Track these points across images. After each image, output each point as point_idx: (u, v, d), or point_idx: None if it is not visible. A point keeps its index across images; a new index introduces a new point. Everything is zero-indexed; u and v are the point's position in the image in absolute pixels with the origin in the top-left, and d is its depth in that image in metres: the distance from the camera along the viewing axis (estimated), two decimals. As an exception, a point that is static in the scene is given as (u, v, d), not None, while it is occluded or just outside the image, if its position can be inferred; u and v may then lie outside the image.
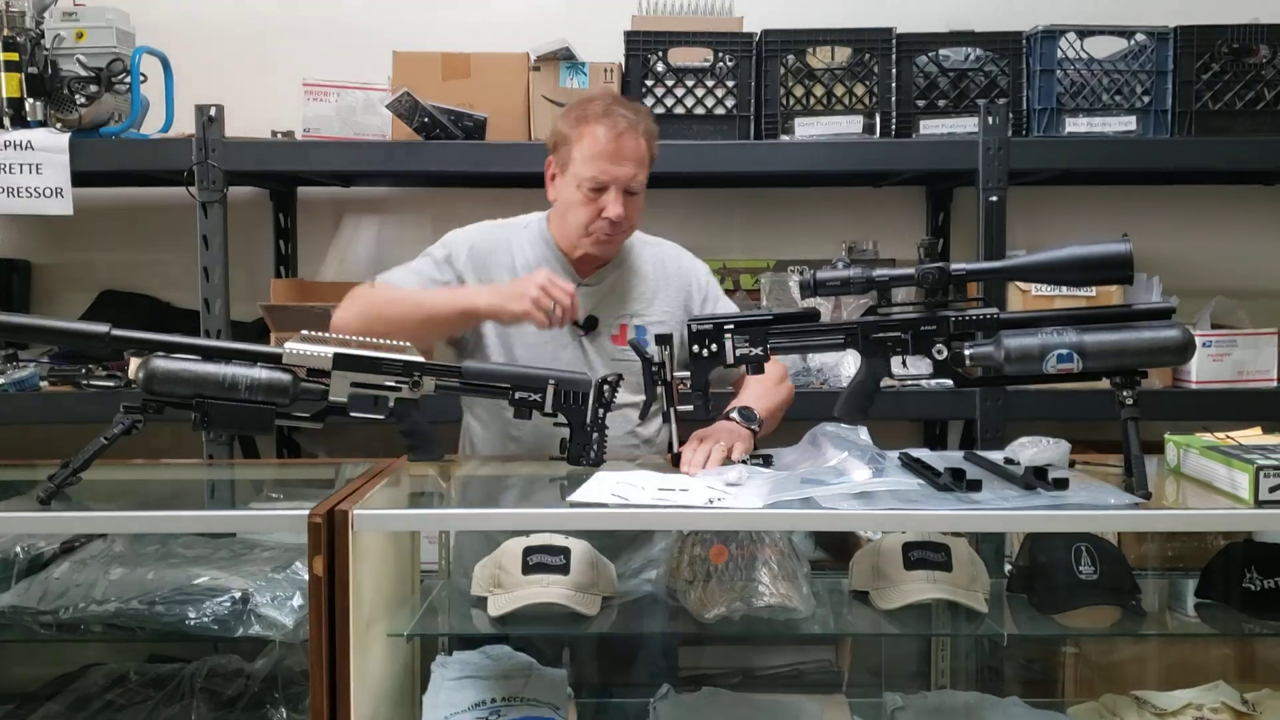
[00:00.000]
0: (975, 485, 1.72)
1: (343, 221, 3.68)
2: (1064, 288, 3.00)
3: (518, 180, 3.38)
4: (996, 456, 2.03)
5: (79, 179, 3.06)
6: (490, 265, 2.31)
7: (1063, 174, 3.25)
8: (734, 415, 2.11)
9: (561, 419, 1.94)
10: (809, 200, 3.55)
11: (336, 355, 1.88)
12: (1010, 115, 3.02)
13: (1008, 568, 2.09)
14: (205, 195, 3.04)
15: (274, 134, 3.17)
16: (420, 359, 1.91)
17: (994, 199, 2.98)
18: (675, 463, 1.96)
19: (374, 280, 2.31)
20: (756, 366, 1.94)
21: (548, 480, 2.04)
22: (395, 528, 1.79)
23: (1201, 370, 2.99)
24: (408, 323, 2.09)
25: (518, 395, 1.94)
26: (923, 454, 2.08)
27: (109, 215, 3.62)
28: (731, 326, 1.92)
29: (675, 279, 2.41)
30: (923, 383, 3.07)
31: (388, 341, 1.93)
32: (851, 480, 1.75)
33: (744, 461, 1.92)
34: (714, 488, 1.74)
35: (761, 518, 1.68)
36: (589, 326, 2.31)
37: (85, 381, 3.08)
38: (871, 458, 1.82)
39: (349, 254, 3.68)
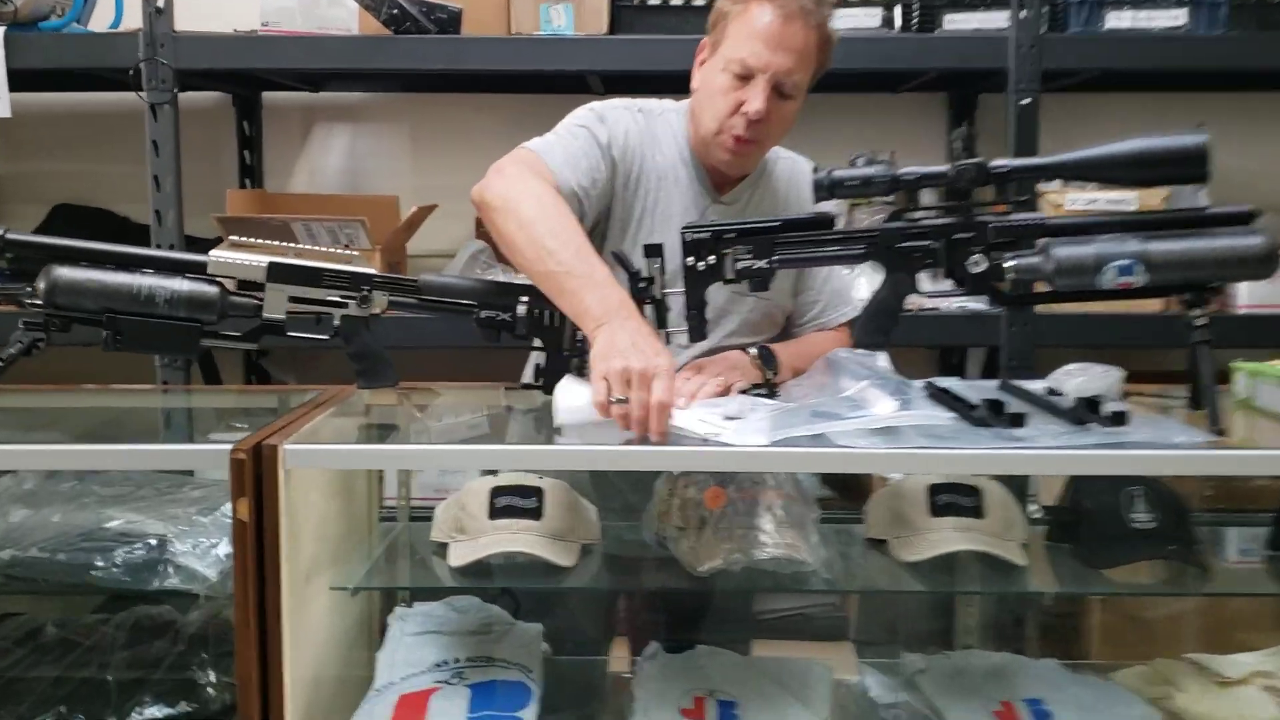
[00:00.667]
0: (1018, 419, 1.46)
1: (312, 130, 3.40)
2: (1102, 199, 2.73)
3: (498, 82, 3.09)
4: (1036, 387, 1.77)
5: (18, 79, 2.78)
6: (639, 162, 1.97)
7: (1101, 76, 2.94)
8: (749, 350, 1.85)
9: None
10: (818, 107, 3.22)
11: (271, 265, 1.61)
12: (1045, 8, 2.72)
13: (1031, 508, 1.83)
14: (154, 96, 2.76)
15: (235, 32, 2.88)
16: (369, 270, 1.64)
17: (1026, 102, 2.69)
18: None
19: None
20: (760, 282, 1.67)
21: (519, 411, 1.78)
22: (333, 465, 1.53)
23: (1253, 293, 2.71)
24: (537, 263, 1.68)
25: (484, 314, 1.67)
26: (951, 383, 1.81)
27: (60, 122, 3.35)
28: (732, 234, 1.65)
29: (804, 199, 2.07)
30: (940, 305, 2.83)
31: (332, 250, 1.66)
32: (872, 414, 1.48)
33: (744, 391, 1.66)
34: (707, 421, 1.48)
35: (765, 457, 1.42)
36: None
37: (30, 301, 2.83)
38: (896, 387, 1.56)
39: (320, 165, 3.40)
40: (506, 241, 1.73)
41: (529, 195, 1.74)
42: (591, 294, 1.60)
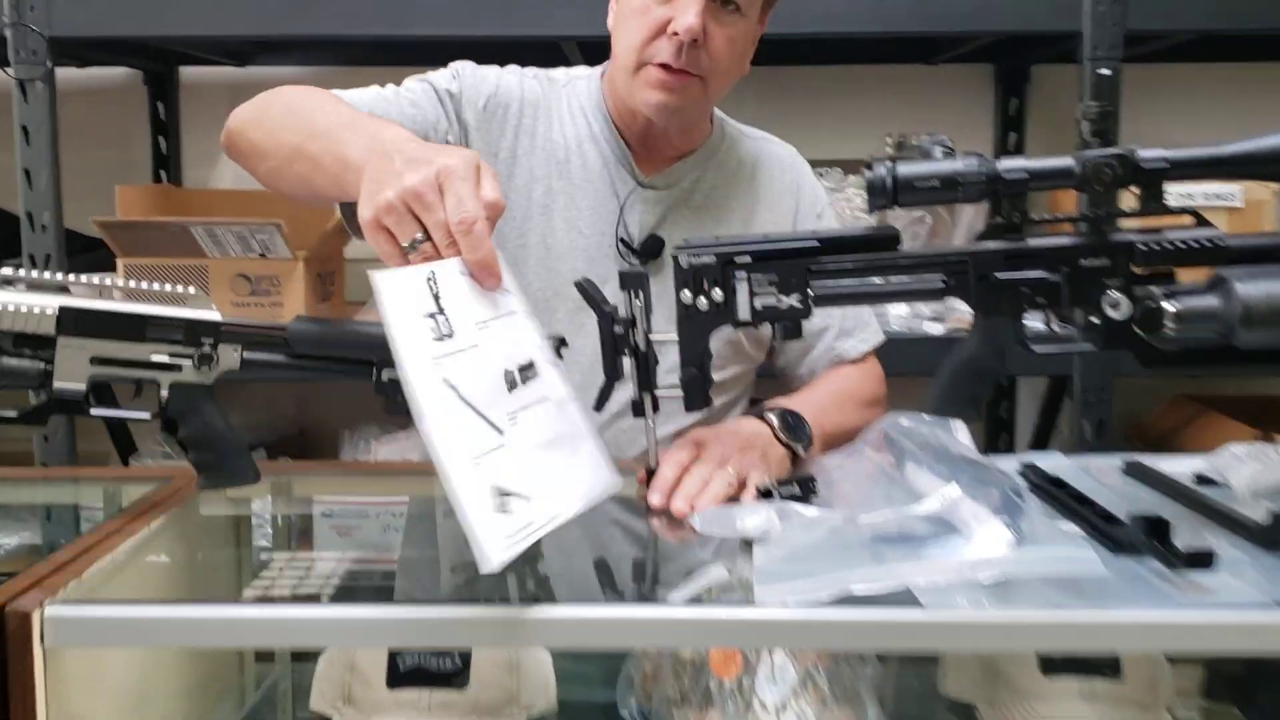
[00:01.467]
0: (1202, 558, 0.94)
1: (238, 111, 2.85)
2: (1198, 194, 2.20)
3: (456, 52, 2.54)
4: (1177, 468, 1.25)
5: None
6: (521, 137, 1.48)
7: (1185, 44, 2.42)
8: (769, 416, 1.30)
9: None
10: (845, 81, 2.72)
11: (63, 311, 1.08)
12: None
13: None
14: (23, 71, 2.22)
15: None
16: (215, 316, 1.11)
17: (1105, 72, 2.16)
18: (648, 484, 1.19)
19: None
20: (795, 330, 1.14)
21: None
22: (117, 640, 0.99)
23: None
24: (295, 145, 1.22)
25: (385, 375, 1.14)
26: (1058, 464, 1.30)
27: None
28: (748, 258, 1.13)
29: (787, 193, 1.57)
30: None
31: (166, 288, 1.13)
32: (972, 546, 0.96)
33: (767, 490, 1.14)
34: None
35: (814, 628, 0.89)
36: (649, 252, 1.47)
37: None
38: (995, 491, 1.03)
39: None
40: (259, 155, 1.27)
41: (283, 95, 1.31)
42: (356, 145, 1.12)
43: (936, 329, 2.18)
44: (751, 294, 1.13)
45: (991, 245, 1.11)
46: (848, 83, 2.72)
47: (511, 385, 1.00)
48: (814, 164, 2.54)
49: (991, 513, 1.01)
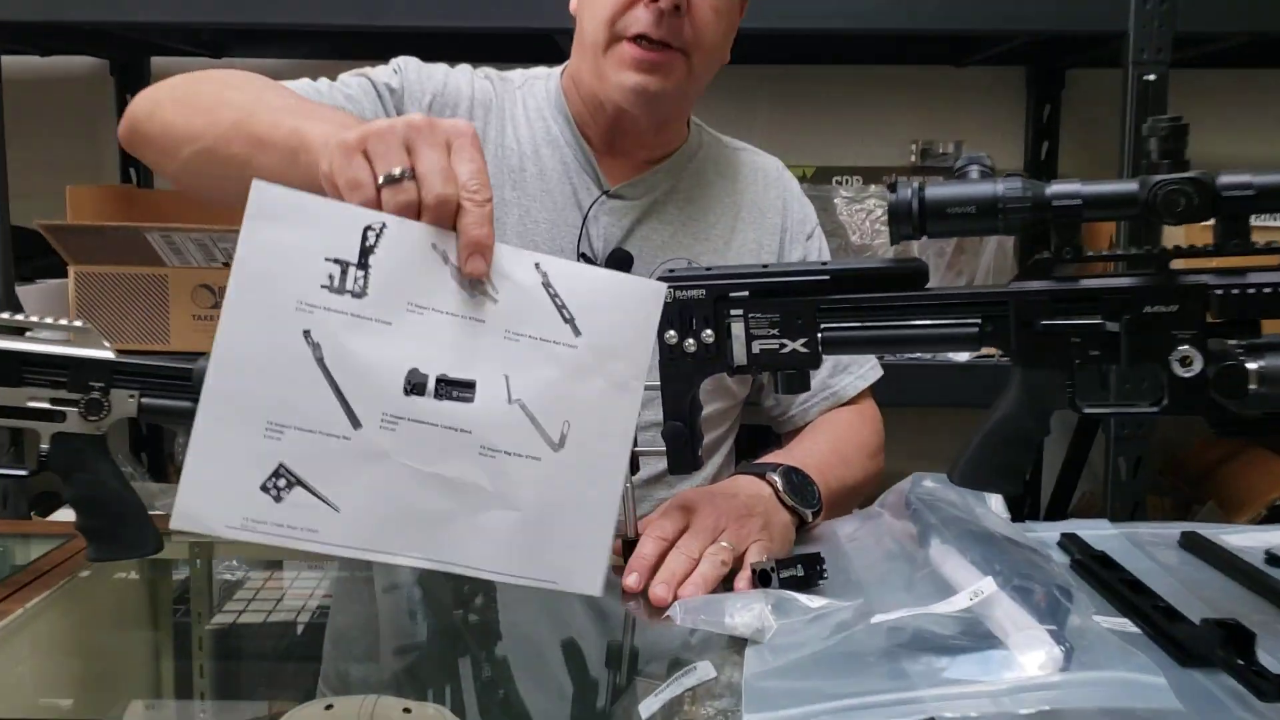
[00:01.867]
0: (1298, 687, 0.75)
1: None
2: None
3: (443, 45, 2.36)
4: (1243, 542, 1.08)
5: None
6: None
7: (1236, 48, 2.22)
8: (772, 476, 1.12)
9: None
10: (864, 83, 2.53)
11: (-80, 346, 0.90)
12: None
13: None
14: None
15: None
16: (105, 355, 0.94)
17: (1151, 78, 1.97)
18: (625, 560, 1.01)
19: None
20: (800, 381, 0.96)
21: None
22: None
23: None
24: (234, 122, 1.01)
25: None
26: (1101, 533, 1.12)
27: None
28: (745, 293, 0.95)
29: (772, 209, 1.39)
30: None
31: (50, 320, 0.95)
32: (1013, 662, 0.78)
33: (766, 572, 0.95)
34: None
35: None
36: (615, 269, 1.25)
37: None
38: (1048, 593, 0.85)
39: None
40: (179, 140, 1.07)
41: (213, 72, 1.13)
42: (317, 122, 0.94)
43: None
44: (749, 336, 0.95)
45: (1036, 285, 0.92)
46: (869, 85, 2.53)
47: (412, 389, 0.84)
48: (832, 172, 2.39)
49: (1034, 616, 0.83)
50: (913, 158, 2.44)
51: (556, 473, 0.87)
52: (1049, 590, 0.85)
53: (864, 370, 1.37)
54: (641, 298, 0.89)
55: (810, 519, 1.10)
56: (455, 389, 0.85)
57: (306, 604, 1.18)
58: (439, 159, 0.83)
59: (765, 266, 0.96)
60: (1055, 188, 0.89)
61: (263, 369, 0.81)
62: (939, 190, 0.90)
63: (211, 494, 0.80)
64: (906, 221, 0.91)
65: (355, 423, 0.83)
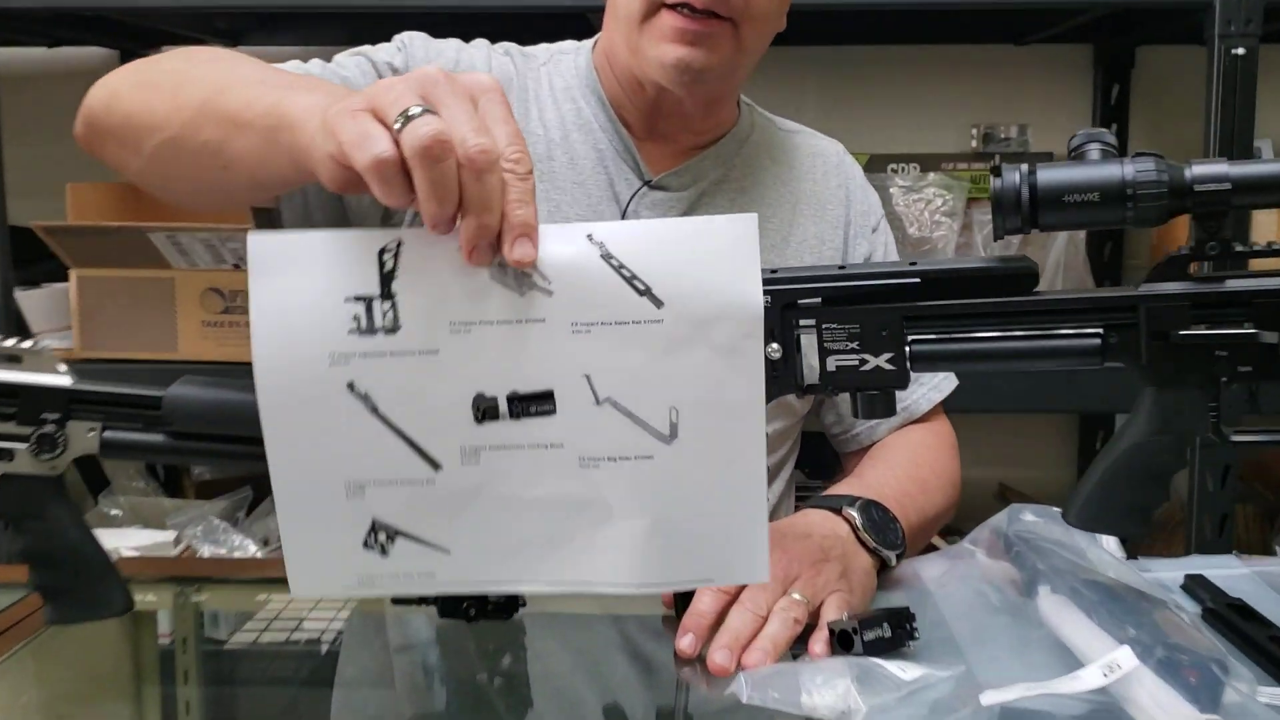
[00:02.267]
0: None
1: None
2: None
3: (460, 25, 2.22)
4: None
5: None
6: None
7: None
8: (849, 512, 0.97)
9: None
10: (919, 64, 2.36)
11: None
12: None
13: None
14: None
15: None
16: (61, 381, 0.79)
17: (1240, 52, 1.80)
18: (679, 614, 0.86)
19: None
20: (884, 404, 0.81)
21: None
22: None
23: None
24: (203, 102, 0.85)
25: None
26: (1229, 573, 0.97)
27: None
28: (817, 299, 0.80)
29: (833, 199, 1.22)
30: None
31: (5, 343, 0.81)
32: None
33: (847, 633, 0.80)
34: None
35: None
36: None
37: None
38: (1199, 667, 0.69)
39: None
40: (141, 130, 0.89)
41: (175, 52, 0.97)
42: (300, 95, 0.77)
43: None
44: (824, 350, 0.80)
45: (1172, 288, 0.77)
46: (925, 65, 2.36)
47: (484, 416, 0.73)
48: (887, 160, 2.22)
49: (1187, 698, 0.67)
50: (973, 143, 2.28)
51: (677, 466, 0.74)
52: (1200, 663, 0.70)
53: (937, 381, 1.21)
54: (729, 238, 0.73)
55: (894, 562, 0.94)
56: (532, 404, 0.74)
57: (303, 665, 1.04)
58: (467, 111, 0.68)
59: (842, 268, 0.81)
60: (1198, 169, 0.74)
61: (318, 434, 0.72)
62: (1054, 174, 0.75)
63: (317, 563, 0.75)
64: (1014, 212, 0.75)
65: (434, 464, 0.74)
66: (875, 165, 2.17)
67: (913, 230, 2.07)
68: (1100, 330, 0.77)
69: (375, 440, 0.72)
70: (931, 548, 1.11)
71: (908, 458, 1.13)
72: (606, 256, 0.72)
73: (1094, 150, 0.76)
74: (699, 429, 0.74)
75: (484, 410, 0.73)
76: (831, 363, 0.80)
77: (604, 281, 0.72)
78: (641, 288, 0.73)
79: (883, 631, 0.79)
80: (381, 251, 0.71)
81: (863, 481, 1.05)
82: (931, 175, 2.13)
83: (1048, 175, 0.74)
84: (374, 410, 0.72)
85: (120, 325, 1.93)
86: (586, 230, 0.72)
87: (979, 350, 0.79)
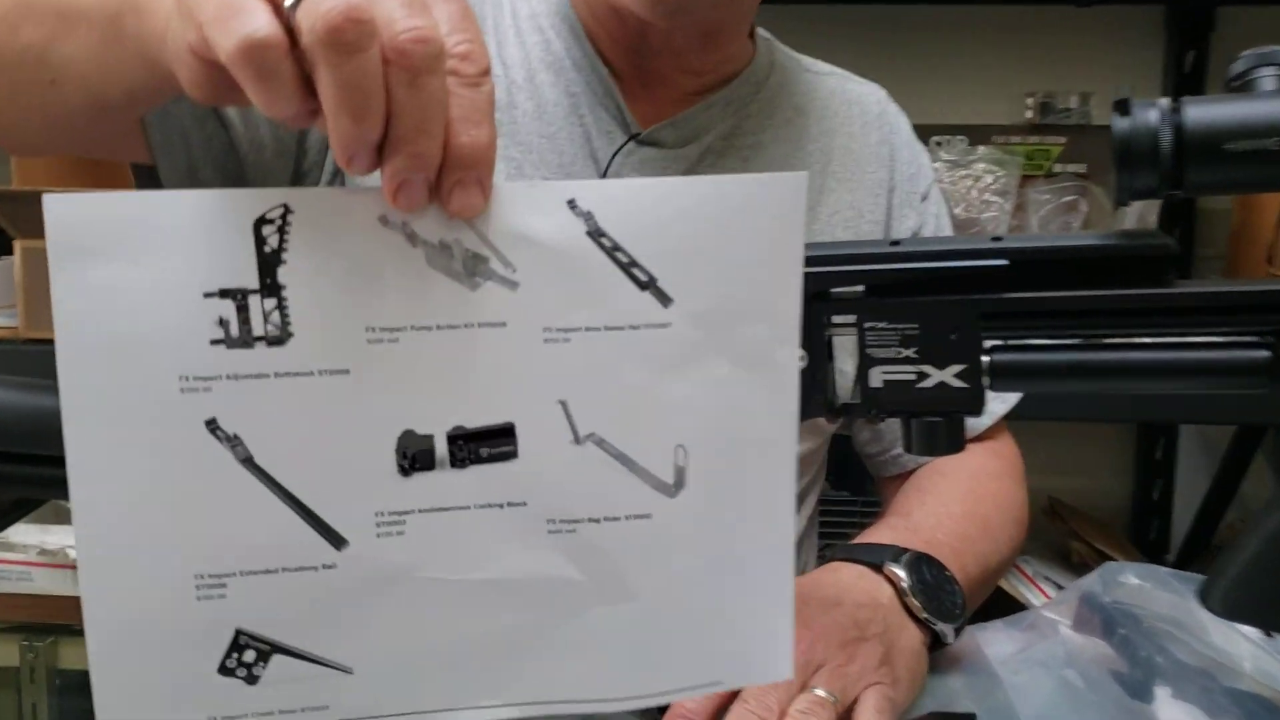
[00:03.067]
0: None
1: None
2: None
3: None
4: None
5: None
6: None
7: None
8: (894, 570, 0.73)
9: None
10: (969, 25, 2.12)
11: None
12: None
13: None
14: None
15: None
16: None
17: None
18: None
19: None
20: (949, 437, 0.58)
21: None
22: None
23: None
24: (13, 13, 0.62)
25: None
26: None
27: None
28: (859, 286, 0.57)
29: (874, 159, 0.98)
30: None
31: None
32: None
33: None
34: None
35: None
36: None
37: None
38: None
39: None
40: None
41: None
42: None
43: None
44: (866, 359, 0.57)
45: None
46: (975, 26, 2.11)
47: (415, 463, 0.50)
48: (932, 130, 1.97)
49: None
50: (1028, 114, 2.04)
51: (682, 529, 0.53)
52: None
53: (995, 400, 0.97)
54: (767, 206, 0.51)
55: (950, 638, 0.71)
56: (483, 444, 0.52)
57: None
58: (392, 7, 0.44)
59: (894, 243, 0.58)
60: None
61: (156, 498, 0.49)
62: (1212, 111, 0.51)
63: (145, 701, 0.51)
64: (1147, 166, 0.53)
65: (335, 540, 0.51)
66: (920, 135, 1.93)
67: (959, 210, 1.84)
68: (1270, 337, 0.54)
69: (246, 506, 0.50)
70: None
71: (966, 490, 0.90)
72: (596, 233, 0.50)
73: (1269, 77, 0.53)
74: (712, 476, 0.53)
75: (413, 456, 0.51)
76: (878, 376, 0.58)
77: (590, 268, 0.50)
78: (643, 278, 0.51)
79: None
80: (260, 222, 0.49)
81: (910, 523, 0.81)
82: (981, 149, 1.90)
83: (1202, 113, 0.51)
84: (246, 461, 0.50)
85: (66, 303, 1.73)
86: (567, 193, 0.50)
87: (1092, 364, 0.56)
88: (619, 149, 0.88)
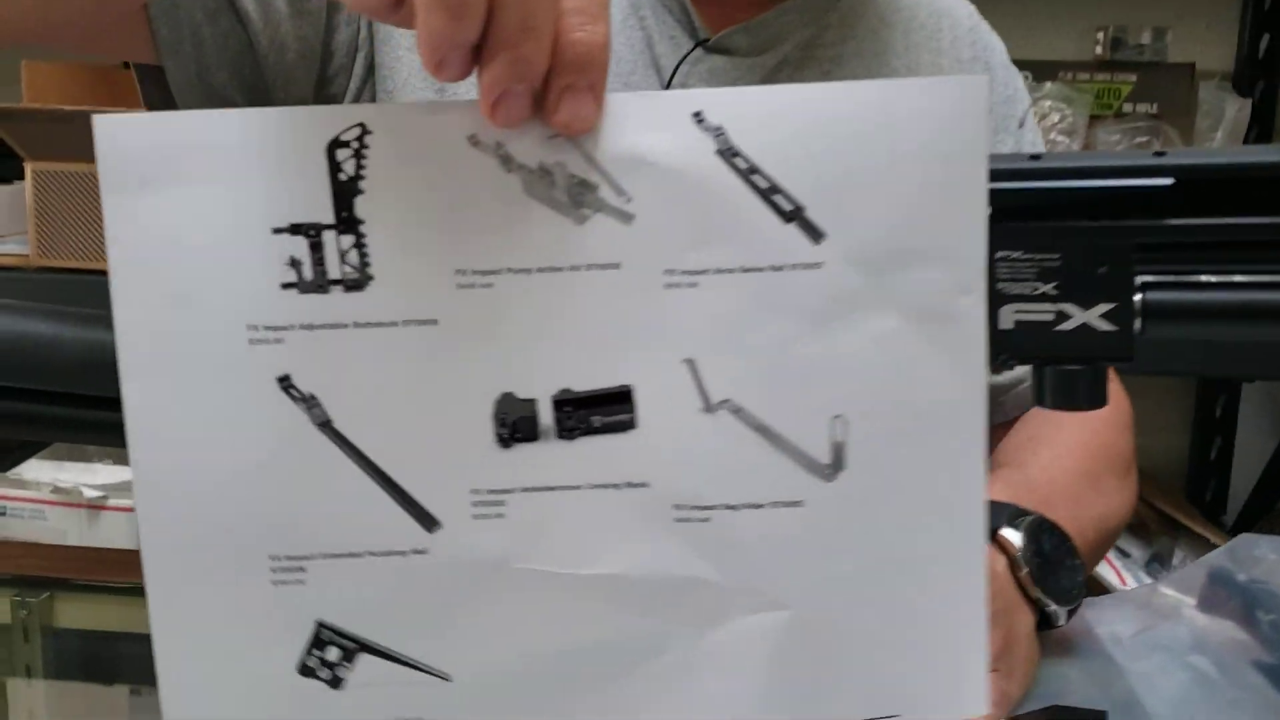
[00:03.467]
0: None
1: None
2: None
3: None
4: None
5: None
6: None
7: None
8: (1009, 537, 0.63)
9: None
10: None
11: None
12: None
13: None
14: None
15: None
16: None
17: None
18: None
19: None
20: (1090, 390, 0.50)
21: None
22: None
23: None
24: None
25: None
26: None
27: None
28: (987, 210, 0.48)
29: (968, 70, 0.91)
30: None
31: None
32: None
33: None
34: None
35: None
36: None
37: None
38: None
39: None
40: None
41: None
42: None
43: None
44: (996, 295, 0.49)
45: None
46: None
47: (515, 432, 0.43)
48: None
49: None
50: (1098, 49, 1.93)
51: (841, 519, 0.44)
52: None
53: None
54: (943, 114, 0.43)
55: (1061, 621, 0.62)
56: (595, 411, 0.44)
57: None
58: None
59: (1035, 158, 0.49)
60: None
61: (228, 466, 0.43)
62: None
63: (218, 704, 0.44)
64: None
65: (427, 521, 0.44)
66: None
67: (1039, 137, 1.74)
68: None
69: (325, 477, 0.43)
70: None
71: (1079, 440, 0.79)
72: (728, 152, 0.42)
73: None
74: (879, 455, 0.44)
75: (514, 424, 0.44)
76: (1009, 315, 0.49)
77: (722, 196, 0.42)
78: (788, 207, 0.42)
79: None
80: (334, 145, 0.41)
81: (1025, 477, 0.72)
82: (1048, 85, 1.80)
83: None
84: (324, 425, 0.43)
85: (82, 229, 1.67)
86: (692, 104, 0.42)
87: (1269, 305, 0.47)
88: (685, 56, 0.78)
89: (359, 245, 0.42)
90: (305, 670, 0.44)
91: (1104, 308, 0.48)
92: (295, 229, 0.42)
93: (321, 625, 0.44)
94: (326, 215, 0.42)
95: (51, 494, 1.63)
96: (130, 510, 1.66)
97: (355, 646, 0.44)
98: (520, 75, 0.38)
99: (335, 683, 0.45)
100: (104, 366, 0.48)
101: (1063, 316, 0.48)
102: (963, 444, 0.44)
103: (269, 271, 0.42)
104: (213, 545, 0.43)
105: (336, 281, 0.42)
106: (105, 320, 0.49)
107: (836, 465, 0.44)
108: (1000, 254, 0.48)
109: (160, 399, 0.43)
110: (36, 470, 1.67)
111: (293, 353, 0.42)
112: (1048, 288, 0.48)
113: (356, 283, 0.42)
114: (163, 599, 0.44)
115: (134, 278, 0.42)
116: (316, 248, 0.42)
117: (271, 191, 0.42)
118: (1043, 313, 0.48)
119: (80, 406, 0.49)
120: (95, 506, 1.64)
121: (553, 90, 0.39)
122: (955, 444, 0.44)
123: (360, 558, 0.44)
